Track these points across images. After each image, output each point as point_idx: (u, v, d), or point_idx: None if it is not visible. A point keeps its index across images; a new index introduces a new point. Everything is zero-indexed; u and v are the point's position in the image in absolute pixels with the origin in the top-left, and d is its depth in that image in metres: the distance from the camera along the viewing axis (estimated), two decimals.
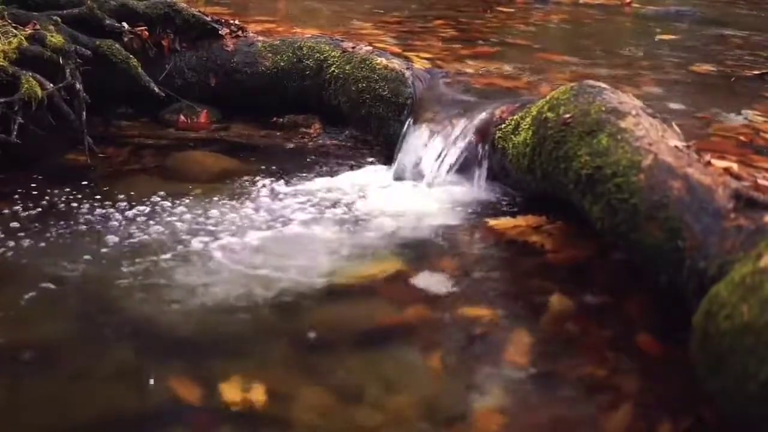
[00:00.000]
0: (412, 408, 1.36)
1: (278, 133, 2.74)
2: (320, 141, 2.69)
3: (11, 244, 1.87)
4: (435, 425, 1.33)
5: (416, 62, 2.84)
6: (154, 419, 1.34)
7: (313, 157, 2.56)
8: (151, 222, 2.02)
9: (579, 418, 1.36)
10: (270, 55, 2.81)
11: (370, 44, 2.85)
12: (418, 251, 1.94)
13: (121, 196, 2.16)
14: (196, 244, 1.91)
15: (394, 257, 1.90)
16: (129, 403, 1.37)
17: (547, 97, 2.01)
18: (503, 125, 2.18)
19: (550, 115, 1.92)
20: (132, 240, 1.92)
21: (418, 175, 2.33)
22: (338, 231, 2.03)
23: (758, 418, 1.09)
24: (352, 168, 2.47)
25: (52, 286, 1.72)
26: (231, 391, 1.39)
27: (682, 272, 1.44)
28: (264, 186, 2.28)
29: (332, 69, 2.71)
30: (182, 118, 2.80)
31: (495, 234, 2.01)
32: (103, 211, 2.07)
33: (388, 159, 2.49)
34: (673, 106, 2.56)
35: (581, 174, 1.74)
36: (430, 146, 2.36)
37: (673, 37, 4.25)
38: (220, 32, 2.87)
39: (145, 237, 1.94)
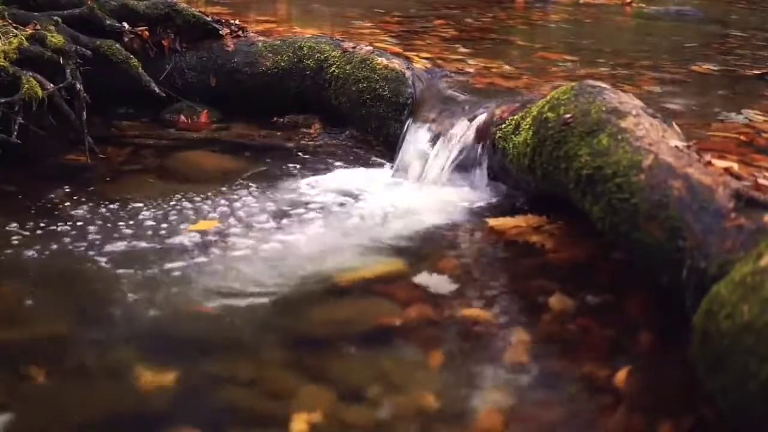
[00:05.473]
0: (412, 408, 1.36)
1: (278, 133, 2.74)
2: (320, 141, 2.69)
3: (11, 243, 1.88)
4: (435, 425, 1.33)
5: (416, 62, 2.84)
6: (153, 419, 1.34)
7: (314, 157, 2.56)
8: (151, 222, 2.02)
9: (579, 418, 1.36)
10: (270, 55, 2.81)
11: (370, 44, 2.85)
12: (419, 251, 1.94)
13: (121, 196, 2.16)
14: (197, 243, 1.91)
15: (395, 257, 1.90)
16: (127, 402, 1.37)
17: (548, 97, 2.00)
18: (503, 125, 2.18)
19: (550, 115, 1.92)
20: (132, 240, 1.92)
21: (419, 175, 2.33)
22: (338, 231, 2.03)
23: (759, 417, 1.09)
24: (352, 168, 2.47)
25: (51, 285, 1.72)
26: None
27: (682, 272, 1.44)
28: (264, 186, 2.28)
29: (332, 69, 2.71)
30: (183, 118, 2.80)
31: (495, 234, 2.01)
32: (103, 211, 2.07)
33: (388, 159, 2.49)
34: (674, 105, 2.56)
35: (582, 174, 1.74)
36: (430, 146, 2.36)
37: (673, 37, 4.25)
38: (220, 32, 2.87)
39: (145, 237, 1.94)
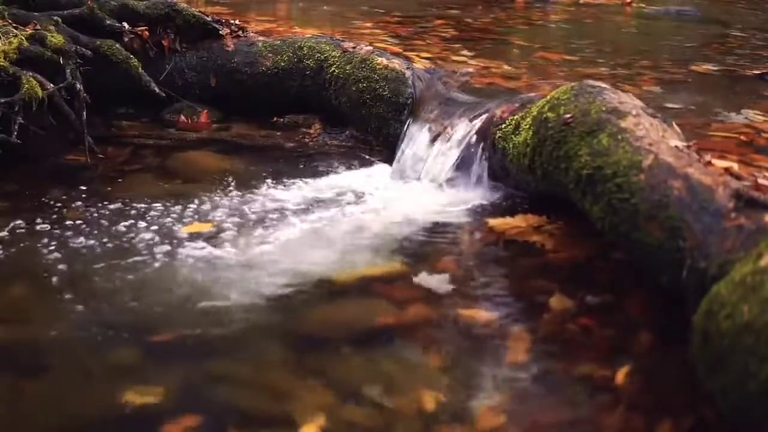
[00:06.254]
0: (412, 408, 1.36)
1: (278, 133, 2.74)
2: (320, 141, 2.69)
3: (11, 243, 1.88)
4: (435, 425, 1.33)
5: (416, 62, 2.84)
6: (153, 420, 1.33)
7: (314, 157, 2.56)
8: (151, 222, 2.02)
9: (579, 418, 1.36)
10: (270, 55, 2.81)
11: (370, 44, 2.85)
12: (419, 251, 1.94)
13: (121, 196, 2.16)
14: (197, 244, 1.91)
15: (394, 257, 1.90)
16: (125, 404, 1.37)
17: (548, 97, 2.00)
18: (503, 125, 2.18)
19: (550, 115, 1.92)
20: (132, 240, 1.92)
21: (419, 175, 2.33)
22: (338, 231, 2.02)
23: (759, 417, 1.09)
24: (352, 168, 2.47)
25: (51, 285, 1.72)
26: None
27: (682, 272, 1.44)
28: (264, 186, 2.28)
29: (332, 69, 2.71)
30: (183, 118, 2.80)
31: (495, 234, 2.01)
32: (103, 211, 2.07)
33: (388, 159, 2.49)
34: (674, 105, 2.56)
35: (582, 174, 1.74)
36: (430, 146, 2.36)
37: (673, 36, 4.25)
38: (220, 32, 2.87)
39: (145, 237, 1.94)
